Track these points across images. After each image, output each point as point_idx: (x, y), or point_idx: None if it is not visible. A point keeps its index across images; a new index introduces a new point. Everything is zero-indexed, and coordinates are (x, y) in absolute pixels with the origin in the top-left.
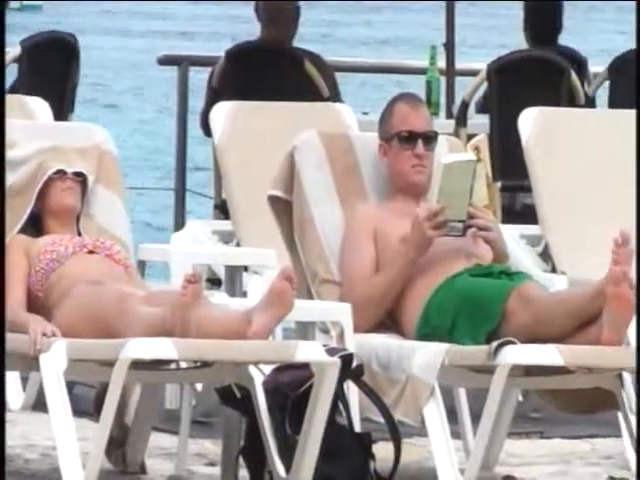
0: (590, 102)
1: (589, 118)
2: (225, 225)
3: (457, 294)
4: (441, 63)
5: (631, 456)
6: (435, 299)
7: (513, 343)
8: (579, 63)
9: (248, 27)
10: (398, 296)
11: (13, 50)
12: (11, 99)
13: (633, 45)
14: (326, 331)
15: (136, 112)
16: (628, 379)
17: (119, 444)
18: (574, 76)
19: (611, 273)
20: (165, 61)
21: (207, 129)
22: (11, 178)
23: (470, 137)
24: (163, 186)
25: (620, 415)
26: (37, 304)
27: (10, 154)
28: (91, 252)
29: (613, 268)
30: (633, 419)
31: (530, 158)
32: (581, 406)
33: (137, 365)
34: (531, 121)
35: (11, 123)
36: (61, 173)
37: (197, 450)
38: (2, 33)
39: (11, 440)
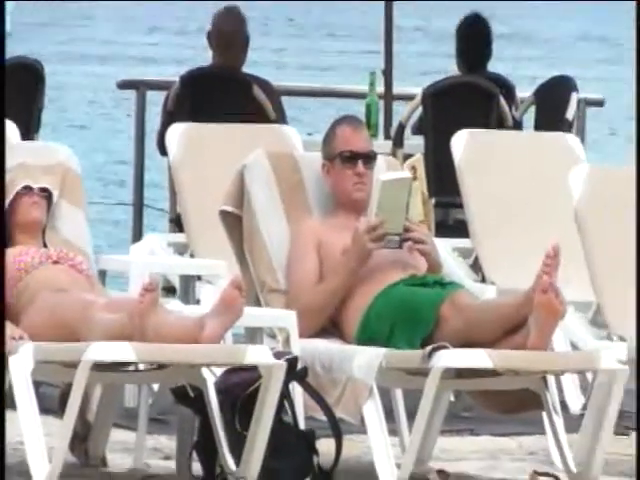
0: (517, 125)
1: (517, 140)
2: (180, 238)
3: (394, 302)
4: (380, 88)
5: (554, 453)
6: (374, 307)
7: (446, 347)
8: (507, 89)
9: (198, 53)
10: (340, 304)
11: None
12: None
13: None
14: (273, 336)
15: (86, 132)
16: (552, 381)
17: (82, 439)
18: (502, 101)
19: (540, 282)
20: (124, 85)
21: (163, 149)
22: None
23: (406, 157)
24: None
25: (544, 415)
26: (9, 310)
27: None
28: (56, 262)
29: (543, 278)
30: (557, 418)
31: (462, 177)
32: (509, 406)
33: (98, 367)
34: (463, 142)
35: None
36: (28, 189)
37: (154, 445)
38: (2, 34)
39: None
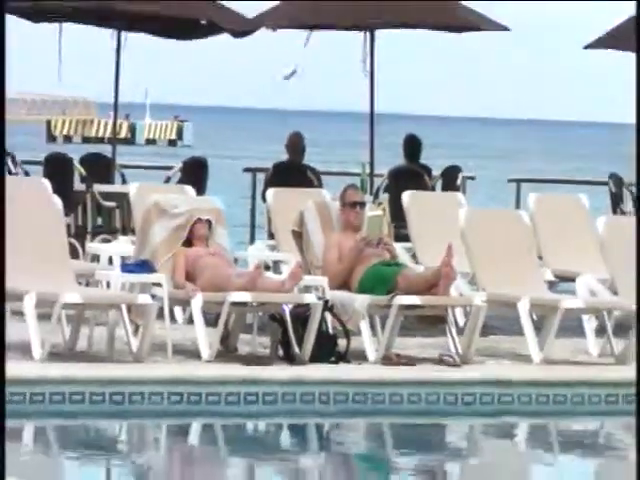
0: (433, 189)
1: (433, 196)
2: (272, 242)
3: (374, 273)
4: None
5: (451, 345)
6: (365, 276)
7: (399, 295)
8: (428, 171)
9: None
10: (348, 274)
11: (178, 165)
12: (175, 187)
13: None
14: (317, 289)
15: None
16: (450, 310)
17: (225, 338)
18: (426, 177)
19: (444, 262)
20: (246, 170)
21: (264, 199)
22: (177, 222)
23: (380, 204)
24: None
25: (447, 326)
26: (189, 278)
27: (175, 210)
28: (213, 255)
29: (445, 259)
30: (453, 328)
31: (408, 213)
32: (430, 322)
33: (233, 304)
34: (407, 197)
35: (178, 197)
36: (200, 219)
37: (259, 341)
38: (2, 34)
39: (178, 336)
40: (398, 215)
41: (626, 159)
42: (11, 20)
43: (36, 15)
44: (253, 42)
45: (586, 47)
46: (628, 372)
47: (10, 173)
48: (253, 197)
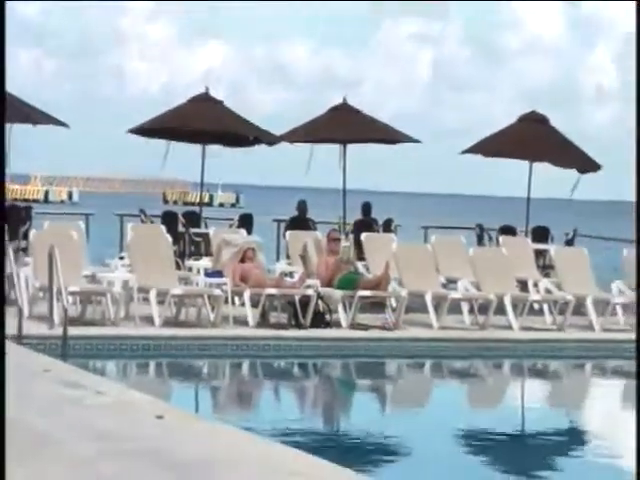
0: (378, 231)
1: (379, 237)
2: (289, 261)
3: (346, 278)
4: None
5: (388, 318)
6: (340, 280)
7: (359, 290)
8: (375, 221)
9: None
10: (331, 279)
11: (236, 218)
12: (234, 230)
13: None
14: (314, 287)
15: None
16: (387, 299)
17: (263, 314)
18: (375, 225)
19: (384, 270)
20: (274, 220)
21: (284, 237)
22: (235, 249)
23: (348, 240)
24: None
25: (386, 308)
26: (242, 281)
27: (235, 242)
28: (256, 268)
29: (385, 270)
30: (390, 309)
31: (364, 246)
32: (376, 306)
33: (268, 295)
34: (364, 237)
35: (236, 236)
36: (249, 248)
37: (281, 316)
38: (2, 36)
39: (236, 312)
40: (359, 246)
41: (489, 214)
42: (136, 137)
43: (150, 133)
44: (279, 149)
45: (463, 152)
46: (487, 334)
47: (142, 222)
48: (278, 236)
